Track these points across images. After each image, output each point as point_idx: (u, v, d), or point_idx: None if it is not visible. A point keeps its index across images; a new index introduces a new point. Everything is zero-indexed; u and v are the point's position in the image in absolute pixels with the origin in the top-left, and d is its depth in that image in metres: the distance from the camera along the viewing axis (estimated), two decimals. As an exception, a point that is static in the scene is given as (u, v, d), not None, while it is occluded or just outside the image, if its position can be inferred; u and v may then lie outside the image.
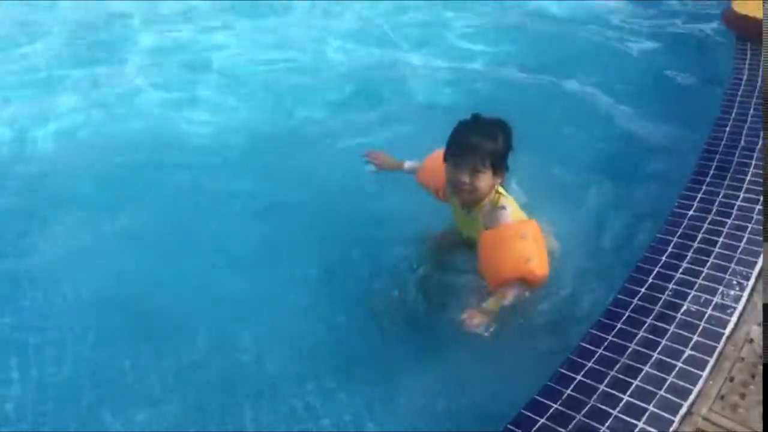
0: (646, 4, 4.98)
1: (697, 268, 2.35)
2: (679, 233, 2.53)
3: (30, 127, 3.82)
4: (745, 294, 2.22)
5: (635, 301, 2.22)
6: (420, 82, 4.13)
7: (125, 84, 4.24)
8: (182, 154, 3.54)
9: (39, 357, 2.36)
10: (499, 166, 2.26)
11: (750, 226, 2.53)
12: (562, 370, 1.99)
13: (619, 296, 2.25)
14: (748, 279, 2.28)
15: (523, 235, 2.25)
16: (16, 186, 3.30)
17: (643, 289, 2.27)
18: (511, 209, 2.30)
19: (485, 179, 2.24)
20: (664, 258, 2.41)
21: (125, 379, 2.27)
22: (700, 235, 2.51)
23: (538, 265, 2.22)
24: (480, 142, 2.21)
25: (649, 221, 2.75)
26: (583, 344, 2.07)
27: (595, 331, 2.12)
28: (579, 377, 1.96)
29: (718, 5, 4.43)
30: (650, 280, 2.31)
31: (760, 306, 2.19)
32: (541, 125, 3.37)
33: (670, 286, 2.27)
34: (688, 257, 2.40)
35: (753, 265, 2.35)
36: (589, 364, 1.99)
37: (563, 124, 3.56)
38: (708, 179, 2.82)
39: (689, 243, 2.47)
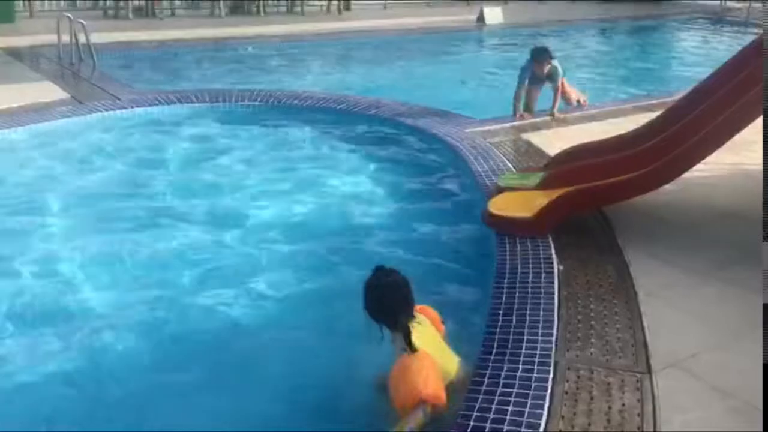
0: (412, 204, 5.77)
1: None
2: (474, 417, 2.93)
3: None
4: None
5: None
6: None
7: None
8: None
9: None
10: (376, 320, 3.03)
11: (528, 401, 3.01)
12: None
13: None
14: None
15: (408, 366, 2.87)
16: None
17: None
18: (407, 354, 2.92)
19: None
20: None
21: None
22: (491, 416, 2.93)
23: (426, 390, 2.80)
24: None
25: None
26: None
27: None
28: None
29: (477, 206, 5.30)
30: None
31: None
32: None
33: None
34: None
35: None
36: None
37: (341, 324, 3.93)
38: (491, 363, 3.32)
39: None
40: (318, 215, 5.54)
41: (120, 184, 6.06)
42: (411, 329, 2.97)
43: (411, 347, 2.92)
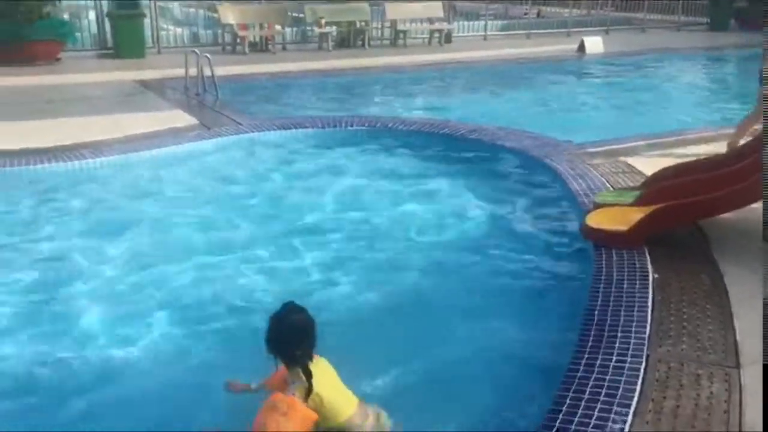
0: (515, 219, 6.17)
1: None
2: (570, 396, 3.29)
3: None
4: None
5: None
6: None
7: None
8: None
9: None
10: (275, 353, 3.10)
11: (621, 386, 3.34)
12: None
13: None
14: None
15: (273, 406, 2.95)
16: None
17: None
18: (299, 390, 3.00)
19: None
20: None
21: None
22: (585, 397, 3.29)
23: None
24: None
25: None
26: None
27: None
28: None
29: (576, 220, 5.63)
30: None
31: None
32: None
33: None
34: None
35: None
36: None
37: (431, 343, 4.23)
38: (586, 354, 3.67)
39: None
40: (427, 230, 6.02)
41: (247, 198, 6.79)
42: (310, 366, 3.05)
43: (309, 382, 3.00)
